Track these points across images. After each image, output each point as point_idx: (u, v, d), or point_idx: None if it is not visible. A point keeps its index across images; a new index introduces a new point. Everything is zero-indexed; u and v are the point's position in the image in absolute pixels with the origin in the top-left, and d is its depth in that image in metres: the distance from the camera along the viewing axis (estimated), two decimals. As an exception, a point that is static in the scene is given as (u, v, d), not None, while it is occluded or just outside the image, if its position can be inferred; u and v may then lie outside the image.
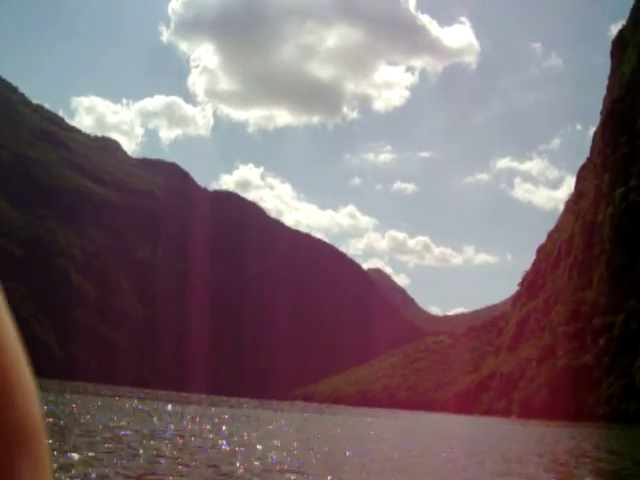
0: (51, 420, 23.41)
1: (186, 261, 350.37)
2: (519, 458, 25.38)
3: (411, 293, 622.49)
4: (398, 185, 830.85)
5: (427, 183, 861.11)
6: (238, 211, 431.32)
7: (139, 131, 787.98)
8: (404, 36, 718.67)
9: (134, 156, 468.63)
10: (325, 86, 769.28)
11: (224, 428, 29.72)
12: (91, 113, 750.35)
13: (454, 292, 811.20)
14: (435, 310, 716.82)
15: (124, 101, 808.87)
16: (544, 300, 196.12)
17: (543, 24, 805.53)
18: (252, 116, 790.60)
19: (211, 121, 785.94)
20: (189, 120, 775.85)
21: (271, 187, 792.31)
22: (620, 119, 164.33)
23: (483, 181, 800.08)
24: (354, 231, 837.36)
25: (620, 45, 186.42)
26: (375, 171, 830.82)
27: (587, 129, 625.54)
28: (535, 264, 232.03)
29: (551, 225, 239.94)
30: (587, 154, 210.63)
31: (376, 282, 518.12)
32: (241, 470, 14.92)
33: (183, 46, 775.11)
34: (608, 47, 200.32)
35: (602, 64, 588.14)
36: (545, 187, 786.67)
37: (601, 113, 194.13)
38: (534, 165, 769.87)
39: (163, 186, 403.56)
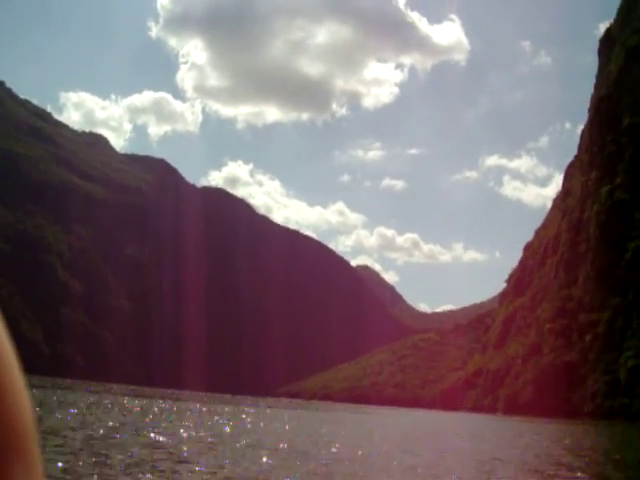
0: None
1: (175, 257, 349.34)
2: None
3: (400, 290, 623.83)
4: (387, 182, 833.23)
5: (416, 180, 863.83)
6: (227, 207, 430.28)
7: (127, 127, 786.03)
8: (393, 33, 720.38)
9: (122, 152, 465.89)
10: (314, 83, 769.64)
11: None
12: (79, 109, 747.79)
13: (443, 289, 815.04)
14: (424, 307, 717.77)
15: (112, 97, 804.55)
16: (531, 297, 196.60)
17: (532, 22, 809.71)
18: (241, 112, 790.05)
19: (200, 117, 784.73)
20: (178, 116, 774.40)
21: (260, 184, 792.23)
22: (607, 117, 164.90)
23: (472, 178, 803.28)
24: (343, 228, 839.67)
25: (607, 44, 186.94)
26: (364, 168, 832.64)
27: (575, 127, 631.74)
28: (522, 261, 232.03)
29: (539, 223, 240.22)
30: (575, 152, 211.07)
31: (365, 279, 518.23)
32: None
33: (172, 42, 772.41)
34: (596, 46, 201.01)
35: (590, 62, 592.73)
36: (534, 185, 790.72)
37: (589, 111, 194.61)
38: (523, 163, 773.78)
39: (151, 182, 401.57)
